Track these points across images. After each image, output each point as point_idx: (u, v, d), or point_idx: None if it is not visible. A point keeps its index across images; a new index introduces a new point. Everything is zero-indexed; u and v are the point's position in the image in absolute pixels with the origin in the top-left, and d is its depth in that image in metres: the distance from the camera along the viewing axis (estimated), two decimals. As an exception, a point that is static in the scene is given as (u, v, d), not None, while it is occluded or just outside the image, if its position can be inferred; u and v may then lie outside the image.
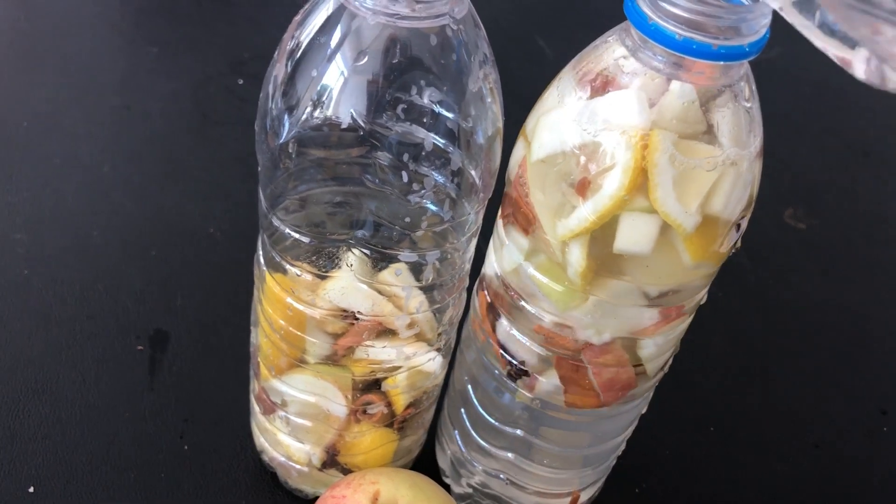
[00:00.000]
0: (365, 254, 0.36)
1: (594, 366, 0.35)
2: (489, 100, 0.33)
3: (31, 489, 0.45)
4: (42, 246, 0.58)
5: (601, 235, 0.31)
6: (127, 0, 0.81)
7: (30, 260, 0.57)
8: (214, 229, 0.61)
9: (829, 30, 0.22)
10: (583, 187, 0.30)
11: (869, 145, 0.81)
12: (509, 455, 0.42)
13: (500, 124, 0.34)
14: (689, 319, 0.36)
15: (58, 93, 0.69)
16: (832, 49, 0.22)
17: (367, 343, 0.39)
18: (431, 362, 0.41)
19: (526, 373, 0.37)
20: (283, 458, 0.45)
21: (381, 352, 0.39)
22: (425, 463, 0.49)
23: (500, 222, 0.37)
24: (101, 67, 0.73)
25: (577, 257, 0.32)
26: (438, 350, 0.41)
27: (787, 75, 0.84)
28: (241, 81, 0.73)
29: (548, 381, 0.37)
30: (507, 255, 0.36)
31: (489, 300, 0.39)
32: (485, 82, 0.33)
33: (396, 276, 0.36)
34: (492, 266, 0.38)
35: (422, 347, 0.40)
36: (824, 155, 0.79)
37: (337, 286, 0.37)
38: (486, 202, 0.36)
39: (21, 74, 0.71)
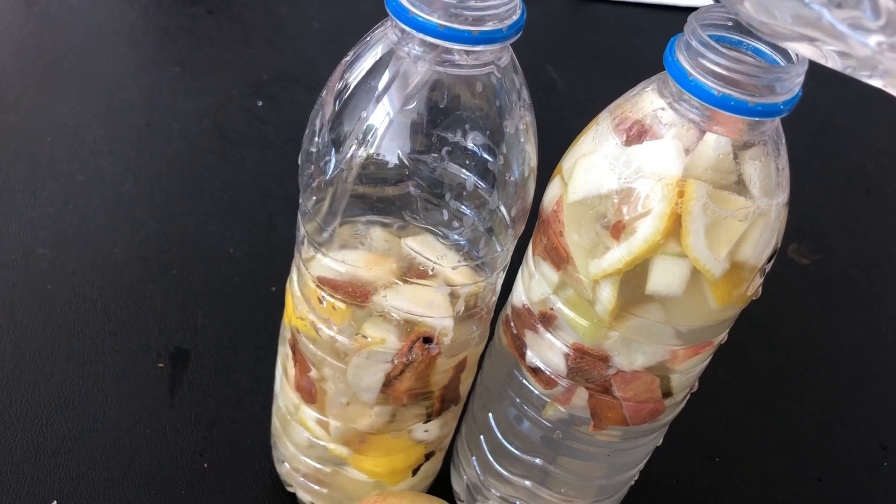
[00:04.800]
0: (396, 283, 0.37)
1: (623, 393, 0.36)
2: (525, 141, 0.35)
3: (54, 503, 0.46)
4: (65, 261, 0.59)
5: (632, 276, 0.33)
6: (150, 20, 0.82)
7: (53, 275, 0.58)
8: (234, 249, 0.62)
9: None
10: (617, 230, 0.32)
11: (871, 182, 0.83)
12: (527, 483, 0.44)
13: (534, 164, 0.36)
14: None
15: (81, 110, 0.70)
16: None
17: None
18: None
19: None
20: (303, 479, 0.46)
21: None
22: (440, 487, 0.50)
23: (530, 254, 0.38)
24: (124, 85, 0.74)
25: (607, 295, 0.34)
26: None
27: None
28: (260, 103, 0.75)
29: (572, 409, 0.38)
30: (535, 286, 0.38)
31: (515, 330, 0.40)
32: (521, 123, 0.34)
33: (429, 307, 0.37)
34: (519, 297, 0.39)
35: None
36: (827, 192, 0.80)
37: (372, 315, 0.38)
38: (518, 238, 0.38)
39: (45, 91, 0.72)
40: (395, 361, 0.38)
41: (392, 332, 0.38)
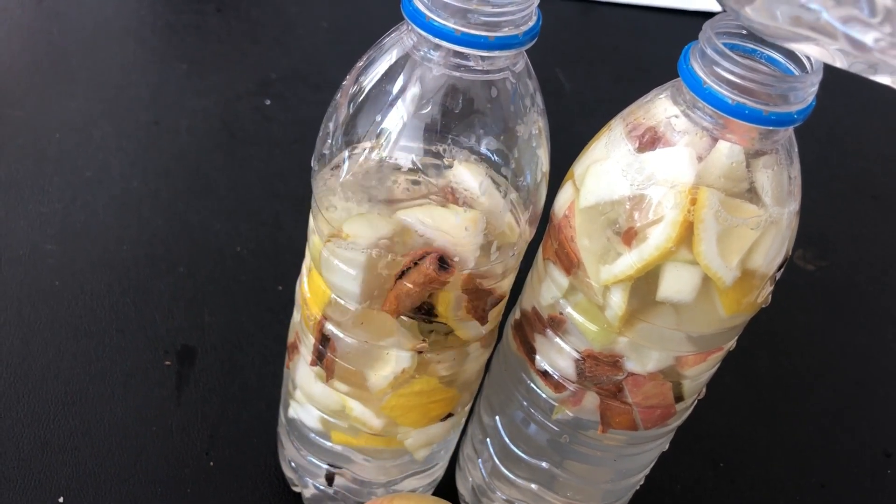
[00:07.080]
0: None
1: (635, 398, 0.36)
2: (537, 147, 0.35)
3: (61, 499, 0.46)
4: (73, 258, 0.59)
5: (643, 282, 0.33)
6: (158, 16, 0.82)
7: (60, 271, 0.58)
8: (241, 248, 0.62)
9: None
10: (629, 236, 0.32)
11: (877, 189, 0.83)
12: (532, 486, 0.44)
13: (546, 169, 0.36)
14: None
15: (89, 106, 0.71)
16: None
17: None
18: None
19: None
20: (310, 479, 0.47)
21: None
22: (445, 489, 0.50)
23: (540, 258, 0.38)
24: (132, 82, 0.74)
25: (617, 301, 0.34)
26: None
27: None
28: (268, 101, 0.75)
29: (580, 413, 0.38)
30: (545, 290, 0.38)
31: (524, 334, 0.40)
32: (534, 128, 0.35)
33: (454, 229, 0.36)
34: (529, 300, 0.40)
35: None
36: (834, 198, 0.80)
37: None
38: (528, 242, 0.38)
39: (53, 87, 0.72)
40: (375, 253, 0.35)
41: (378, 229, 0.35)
